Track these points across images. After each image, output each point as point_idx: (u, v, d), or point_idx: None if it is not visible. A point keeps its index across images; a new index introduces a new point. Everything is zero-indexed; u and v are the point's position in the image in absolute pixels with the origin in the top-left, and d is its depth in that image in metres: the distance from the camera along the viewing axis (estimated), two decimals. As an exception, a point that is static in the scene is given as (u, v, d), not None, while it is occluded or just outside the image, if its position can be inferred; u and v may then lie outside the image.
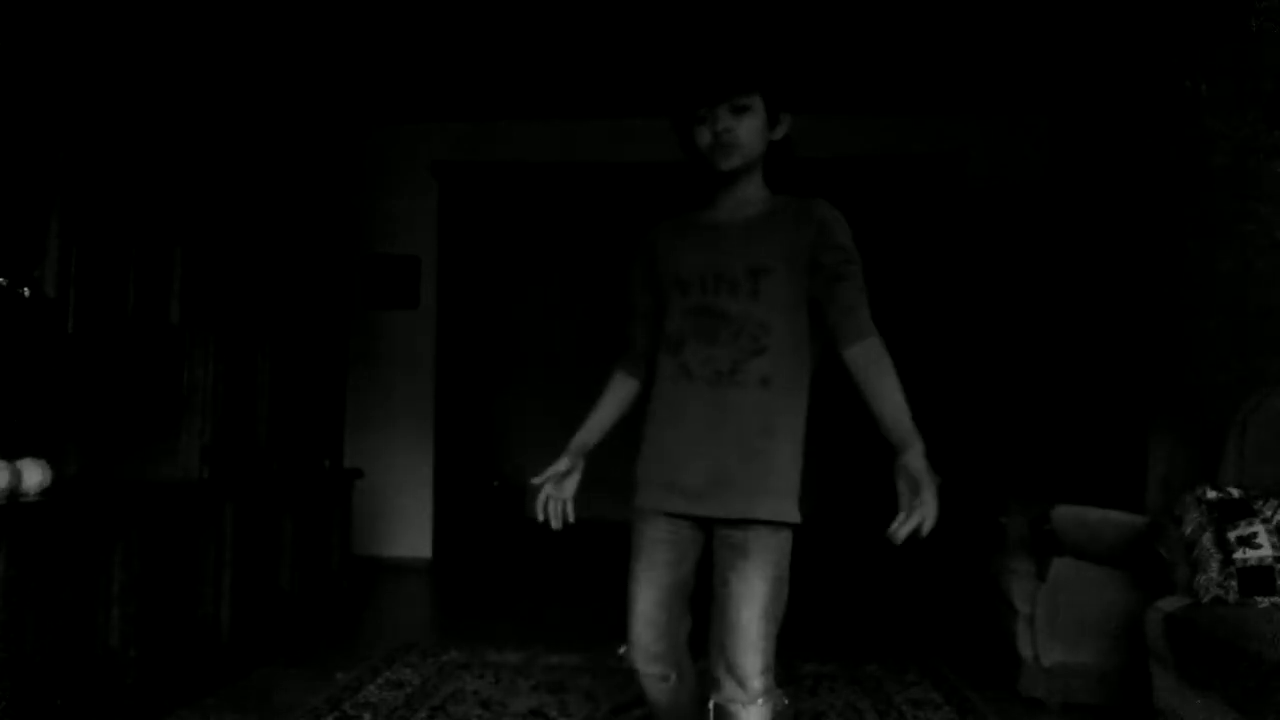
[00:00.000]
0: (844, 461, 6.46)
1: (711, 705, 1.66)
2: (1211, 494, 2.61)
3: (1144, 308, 4.45)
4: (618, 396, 1.88)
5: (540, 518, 1.77)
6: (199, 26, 3.49)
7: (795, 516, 1.69)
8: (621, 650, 1.78)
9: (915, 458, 1.58)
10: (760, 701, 1.63)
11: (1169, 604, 2.60)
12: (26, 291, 2.64)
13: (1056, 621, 3.07)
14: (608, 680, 3.25)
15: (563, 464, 1.83)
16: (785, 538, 1.69)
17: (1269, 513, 2.50)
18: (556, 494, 1.81)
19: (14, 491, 2.47)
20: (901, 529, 1.53)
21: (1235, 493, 2.60)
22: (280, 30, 4.20)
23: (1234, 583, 2.46)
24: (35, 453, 2.63)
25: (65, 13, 2.80)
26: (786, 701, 1.68)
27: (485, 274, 6.82)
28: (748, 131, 1.63)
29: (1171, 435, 3.29)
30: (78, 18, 2.86)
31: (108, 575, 2.69)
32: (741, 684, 1.62)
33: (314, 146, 4.50)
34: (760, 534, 1.63)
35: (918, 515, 1.53)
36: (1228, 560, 2.48)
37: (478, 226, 6.24)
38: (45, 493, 2.55)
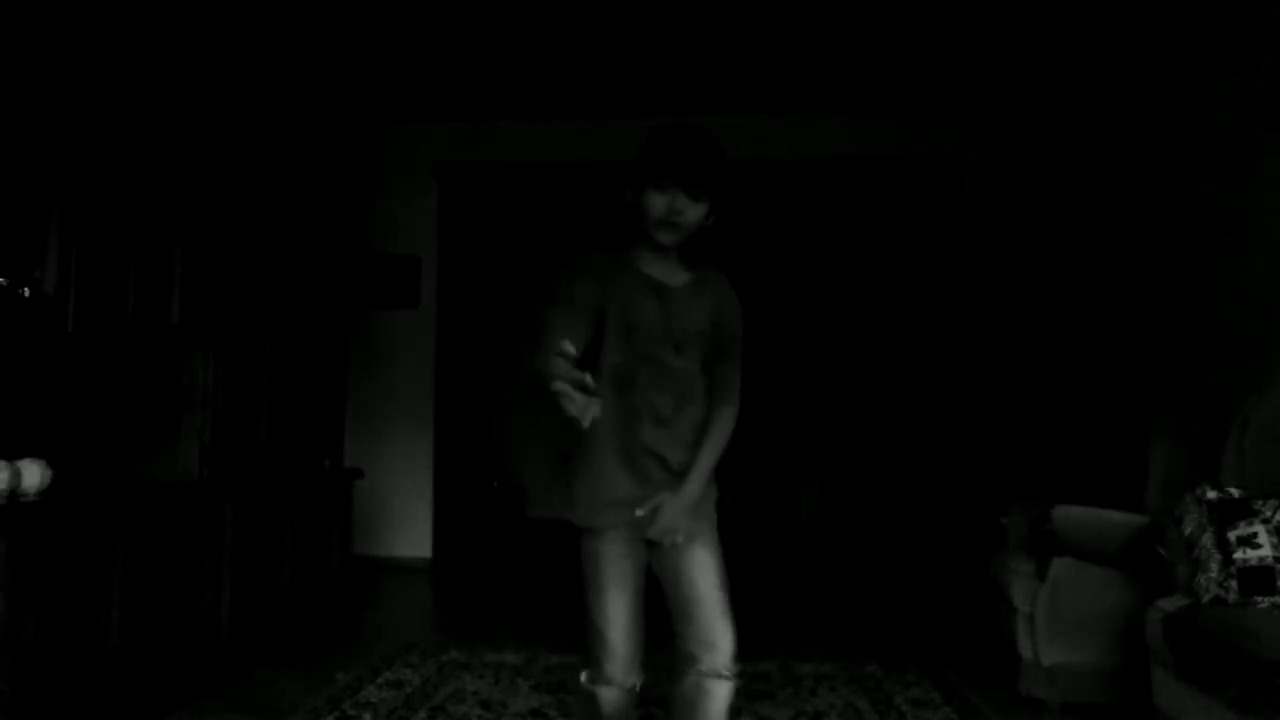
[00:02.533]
0: (844, 466, 6.47)
1: (689, 683, 1.82)
2: (1211, 494, 2.61)
3: (1144, 308, 4.45)
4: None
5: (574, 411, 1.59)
6: (199, 27, 3.49)
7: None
8: (584, 675, 1.88)
9: (686, 486, 1.84)
10: (734, 675, 1.84)
11: (1169, 604, 2.60)
12: (26, 291, 2.64)
13: (1056, 621, 3.07)
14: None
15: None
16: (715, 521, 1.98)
17: (1269, 513, 2.50)
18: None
19: (14, 491, 2.47)
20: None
21: (1235, 493, 2.60)
22: (280, 30, 4.21)
23: (1234, 583, 2.46)
24: (35, 453, 2.63)
25: (65, 13, 2.80)
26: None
27: (485, 274, 6.81)
28: (694, 217, 1.82)
29: (1171, 435, 3.29)
30: (78, 18, 2.86)
31: (108, 575, 2.69)
32: (720, 652, 1.82)
33: (314, 146, 4.50)
34: (703, 525, 1.90)
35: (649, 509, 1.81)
36: (1228, 560, 2.48)
37: (478, 226, 6.23)
38: (45, 493, 2.55)
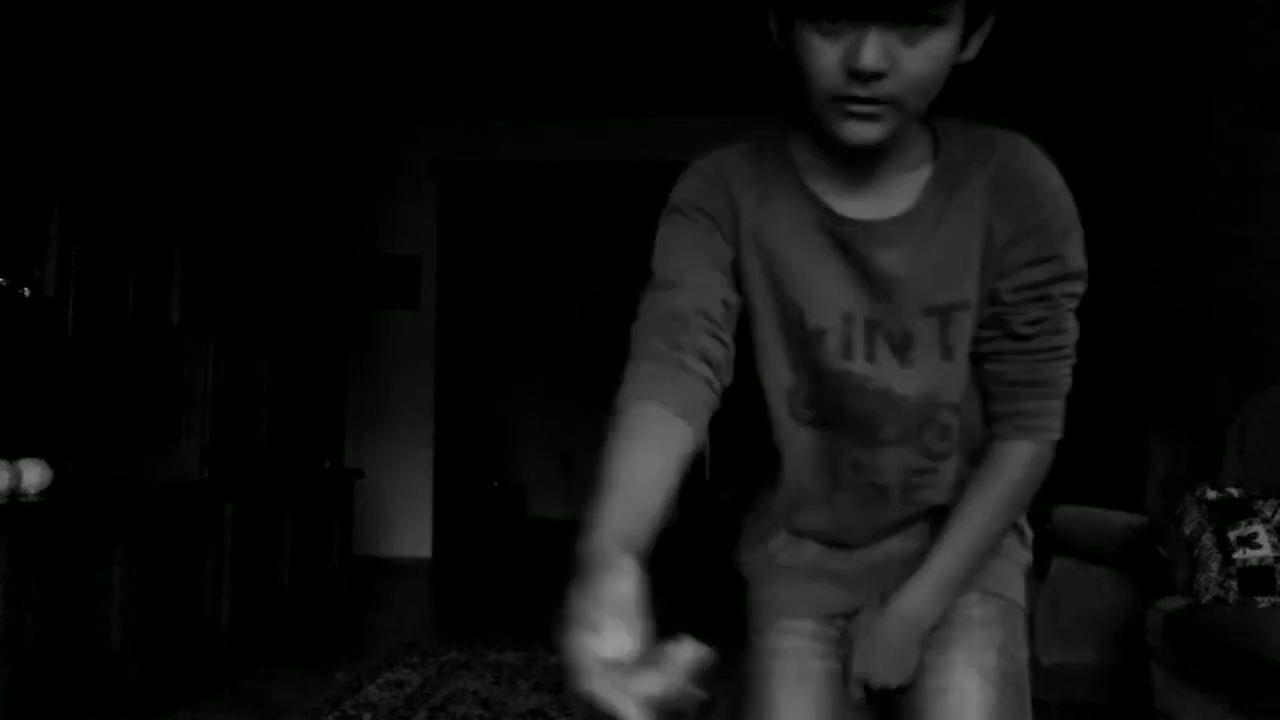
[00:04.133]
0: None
1: None
2: (1211, 494, 2.61)
3: (1144, 308, 4.45)
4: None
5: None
6: (199, 27, 3.49)
7: None
8: None
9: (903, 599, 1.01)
10: None
11: (1169, 604, 2.60)
12: (26, 291, 2.64)
13: (1056, 621, 3.07)
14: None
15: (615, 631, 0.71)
16: None
17: (1269, 513, 2.50)
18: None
19: (14, 491, 2.47)
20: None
21: (1235, 493, 2.60)
22: (280, 31, 4.21)
23: (1234, 583, 2.46)
24: (35, 453, 2.63)
25: (65, 13, 2.80)
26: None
27: (485, 274, 6.83)
28: (919, 69, 0.83)
29: (1171, 435, 3.29)
30: (78, 18, 2.86)
31: (108, 575, 2.69)
32: None
33: (314, 147, 4.50)
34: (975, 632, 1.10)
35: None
36: (1228, 560, 2.48)
37: (477, 226, 6.24)
38: (45, 493, 2.55)
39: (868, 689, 1.00)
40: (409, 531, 5.97)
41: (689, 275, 0.91)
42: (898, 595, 0.98)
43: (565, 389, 8.21)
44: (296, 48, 4.43)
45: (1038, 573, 3.15)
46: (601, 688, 0.60)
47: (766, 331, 0.96)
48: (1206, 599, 2.49)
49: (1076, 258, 0.92)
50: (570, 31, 4.72)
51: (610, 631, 0.62)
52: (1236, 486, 2.64)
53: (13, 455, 2.56)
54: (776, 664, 1.05)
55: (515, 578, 5.83)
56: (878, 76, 0.79)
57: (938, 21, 0.80)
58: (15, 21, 2.64)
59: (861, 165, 0.90)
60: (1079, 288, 0.93)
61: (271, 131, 4.04)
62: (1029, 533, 1.10)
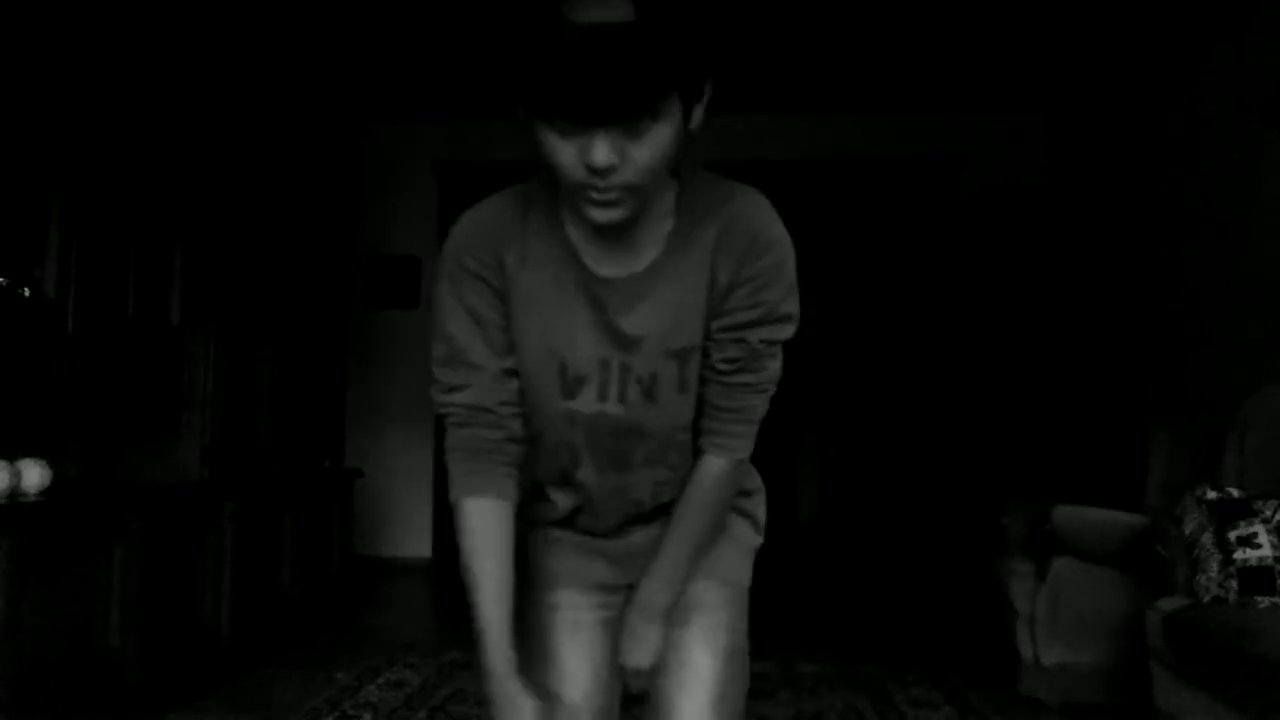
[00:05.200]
0: (844, 465, 6.47)
1: None
2: (1211, 494, 2.61)
3: (1144, 308, 4.45)
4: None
5: None
6: (199, 26, 3.49)
7: None
8: None
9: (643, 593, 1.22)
10: None
11: (1169, 604, 2.60)
12: (26, 291, 2.64)
13: (1056, 621, 3.07)
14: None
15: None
16: None
17: (1269, 513, 2.50)
18: None
19: (14, 491, 2.47)
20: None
21: (1235, 493, 2.60)
22: (281, 30, 4.20)
23: (1234, 583, 2.46)
24: (35, 453, 2.63)
25: (65, 13, 2.80)
26: None
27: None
28: (649, 157, 0.90)
29: (1171, 435, 3.29)
30: (78, 18, 2.86)
31: (108, 575, 2.69)
32: None
33: (314, 146, 4.50)
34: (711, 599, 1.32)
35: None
36: (1228, 560, 2.48)
37: (478, 226, 6.23)
38: (45, 493, 2.55)
39: (633, 676, 1.19)
40: (409, 531, 5.97)
41: (476, 372, 1.07)
42: (635, 592, 1.17)
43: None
44: (297, 47, 4.43)
45: (1038, 573, 3.14)
46: None
47: (534, 374, 1.08)
48: (1206, 599, 2.49)
49: (787, 304, 1.04)
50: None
51: None
52: (1236, 487, 2.64)
53: (13, 455, 2.56)
54: (554, 617, 1.24)
55: (515, 577, 5.82)
56: (610, 169, 0.89)
57: (656, 117, 0.88)
58: (15, 21, 2.64)
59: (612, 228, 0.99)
60: (787, 331, 1.06)
61: (272, 131, 4.03)
62: (761, 518, 1.30)
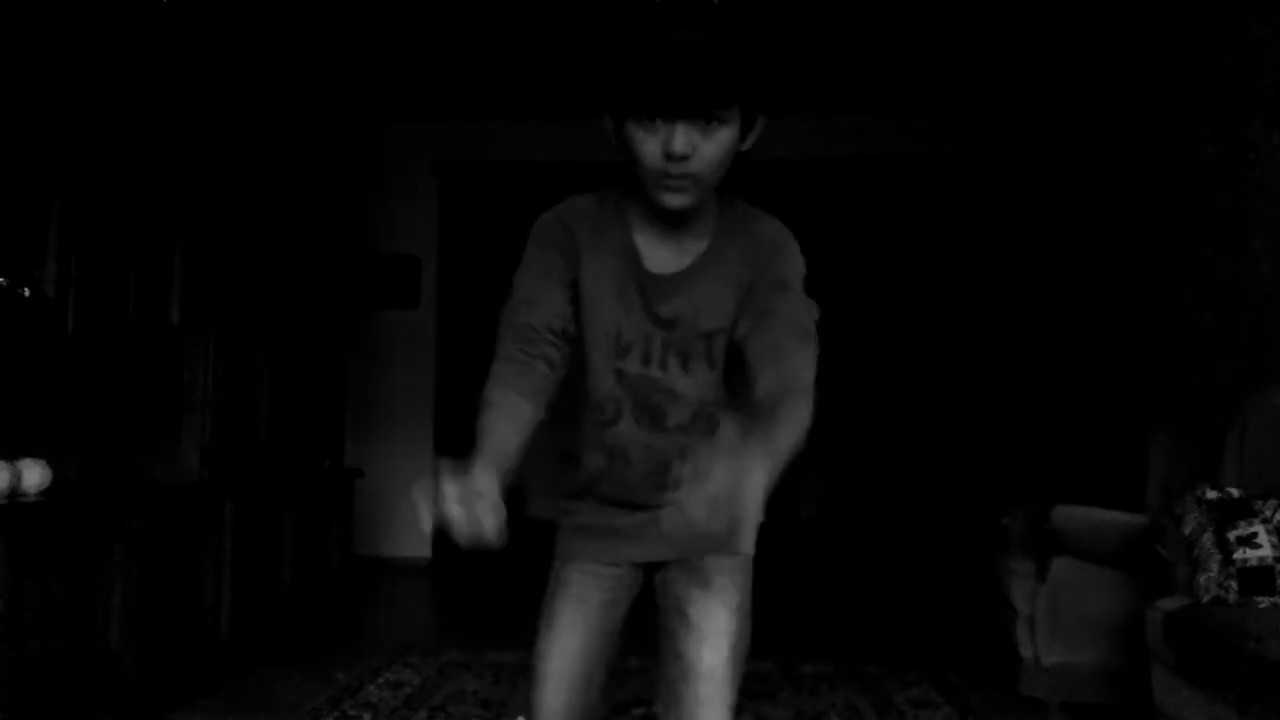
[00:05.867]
0: (845, 465, 6.47)
1: None
2: (1211, 494, 2.61)
3: (1144, 308, 4.45)
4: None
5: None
6: (199, 26, 3.49)
7: None
8: None
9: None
10: None
11: (1169, 604, 2.60)
12: (26, 291, 2.64)
13: (1056, 621, 3.07)
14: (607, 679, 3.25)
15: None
16: None
17: (1269, 513, 2.50)
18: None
19: (14, 491, 2.47)
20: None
21: (1235, 493, 2.60)
22: (281, 30, 4.20)
23: (1234, 583, 2.46)
24: (35, 453, 2.63)
25: (65, 13, 2.80)
26: None
27: (485, 274, 6.81)
28: (714, 153, 1.18)
29: (1171, 435, 3.29)
30: (78, 18, 2.86)
31: (108, 575, 2.69)
32: None
33: (314, 146, 4.50)
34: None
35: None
36: (1228, 560, 2.48)
37: (478, 226, 6.23)
38: (45, 493, 2.55)
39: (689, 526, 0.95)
40: (409, 531, 5.95)
41: (541, 295, 1.28)
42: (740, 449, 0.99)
43: (564, 389, 8.20)
44: (297, 47, 4.43)
45: (1038, 573, 3.14)
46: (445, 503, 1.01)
47: (593, 338, 1.31)
48: (1206, 599, 2.49)
49: (799, 278, 1.30)
50: (571, 31, 4.71)
51: (467, 490, 1.04)
52: (1236, 486, 2.64)
53: (13, 455, 2.56)
54: (563, 589, 1.43)
55: (515, 578, 5.83)
56: (685, 158, 1.15)
57: (722, 121, 1.17)
58: (15, 21, 2.64)
59: (674, 226, 1.27)
60: (806, 301, 1.29)
61: (272, 131, 4.03)
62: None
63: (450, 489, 1.03)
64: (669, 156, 1.15)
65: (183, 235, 3.35)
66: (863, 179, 5.89)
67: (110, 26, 3.00)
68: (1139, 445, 3.39)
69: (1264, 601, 2.41)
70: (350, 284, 5.63)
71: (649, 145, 1.17)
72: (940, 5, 4.39)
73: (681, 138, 1.14)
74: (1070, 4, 4.33)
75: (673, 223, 1.27)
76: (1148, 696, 2.64)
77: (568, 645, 1.40)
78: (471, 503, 1.03)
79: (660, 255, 1.29)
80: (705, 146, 1.16)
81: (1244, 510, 2.53)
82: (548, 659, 1.40)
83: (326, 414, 4.70)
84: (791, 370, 1.20)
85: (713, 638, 1.36)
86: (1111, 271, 4.84)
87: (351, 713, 2.97)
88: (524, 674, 1.31)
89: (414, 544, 5.95)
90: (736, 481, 0.92)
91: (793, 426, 1.12)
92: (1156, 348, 4.31)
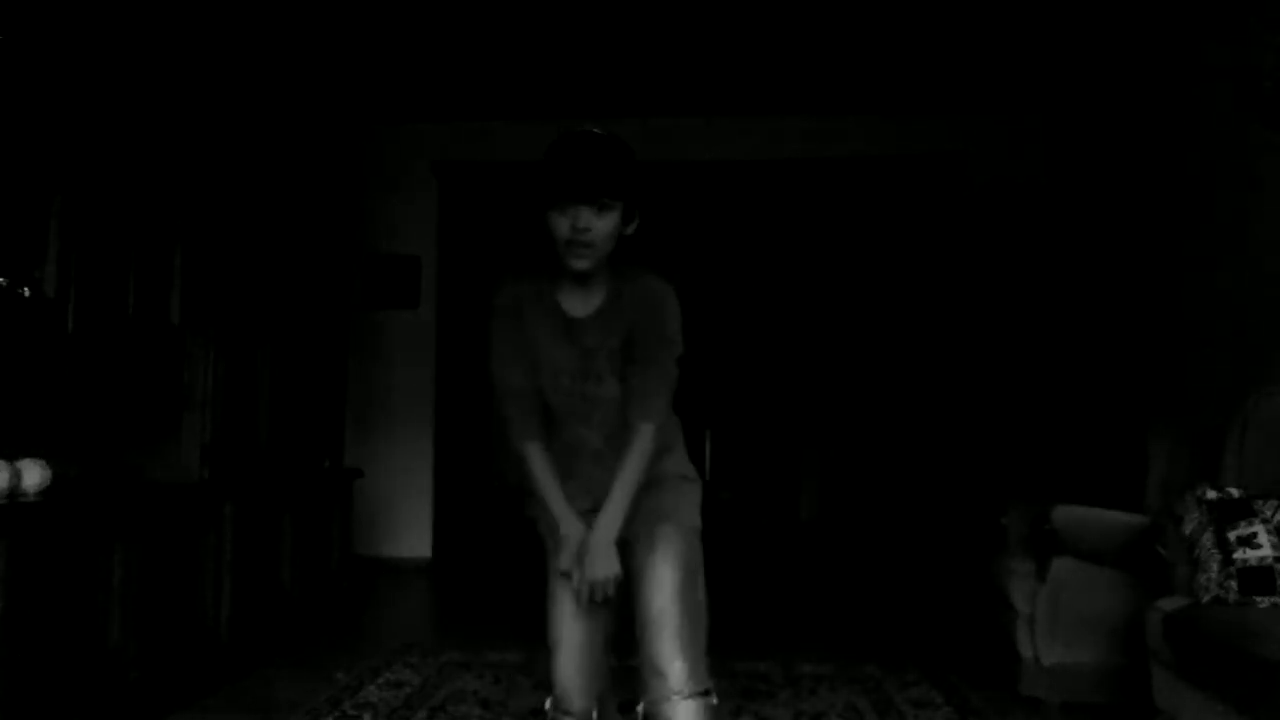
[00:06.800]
0: (845, 465, 6.46)
1: (646, 708, 1.71)
2: (1211, 494, 2.61)
3: (1144, 308, 4.45)
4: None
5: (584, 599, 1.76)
6: (199, 26, 3.49)
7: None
8: (548, 703, 1.89)
9: (599, 526, 1.76)
10: (695, 691, 1.69)
11: (1169, 604, 2.60)
12: (26, 291, 2.64)
13: (1056, 621, 3.07)
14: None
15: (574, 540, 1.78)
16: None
17: (1269, 513, 2.49)
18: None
19: (14, 491, 2.47)
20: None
21: (1235, 493, 2.60)
22: (280, 30, 4.21)
23: (1234, 583, 2.46)
24: (35, 453, 2.63)
25: (65, 13, 2.80)
26: (715, 701, 1.73)
27: (485, 274, 6.81)
28: (605, 230, 1.66)
29: (1171, 435, 3.28)
30: (78, 18, 2.86)
31: (108, 575, 2.69)
32: (669, 680, 1.70)
33: (314, 146, 4.50)
34: (668, 529, 1.84)
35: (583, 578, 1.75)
36: (1228, 560, 2.48)
37: (478, 226, 6.23)
38: (45, 493, 2.55)
39: (591, 588, 1.72)
40: (409, 531, 5.97)
41: (519, 380, 1.80)
42: (595, 522, 1.74)
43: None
44: (297, 47, 4.43)
45: (1038, 573, 3.14)
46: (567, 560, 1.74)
47: (545, 372, 1.80)
48: (1206, 599, 2.49)
49: (670, 333, 1.76)
50: (571, 31, 4.72)
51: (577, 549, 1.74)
52: (1236, 486, 2.64)
53: (13, 455, 2.56)
54: (553, 570, 1.84)
55: (515, 578, 5.83)
56: (586, 230, 1.64)
57: (610, 207, 1.66)
58: (15, 20, 2.64)
59: (580, 285, 1.74)
60: (673, 349, 1.77)
61: (272, 131, 4.04)
62: (694, 475, 1.92)
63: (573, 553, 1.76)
64: (575, 230, 1.64)
65: (183, 235, 3.35)
66: (863, 179, 5.89)
67: (110, 26, 3.00)
68: (1139, 445, 3.39)
69: (1264, 601, 2.41)
70: (350, 284, 5.64)
71: (562, 224, 1.65)
72: (940, 5, 4.39)
73: (584, 218, 1.64)
74: (1070, 4, 4.33)
75: (581, 281, 1.73)
76: (1148, 696, 2.64)
77: (565, 615, 1.82)
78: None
79: (574, 304, 1.77)
80: (599, 224, 1.65)
81: (1244, 510, 2.53)
82: (553, 630, 1.85)
83: (326, 414, 4.70)
84: (653, 408, 1.76)
85: (662, 585, 1.75)
86: (1111, 271, 4.85)
87: (351, 713, 2.97)
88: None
89: (414, 544, 5.96)
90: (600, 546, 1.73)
91: (641, 459, 1.74)
92: (1156, 348, 4.31)
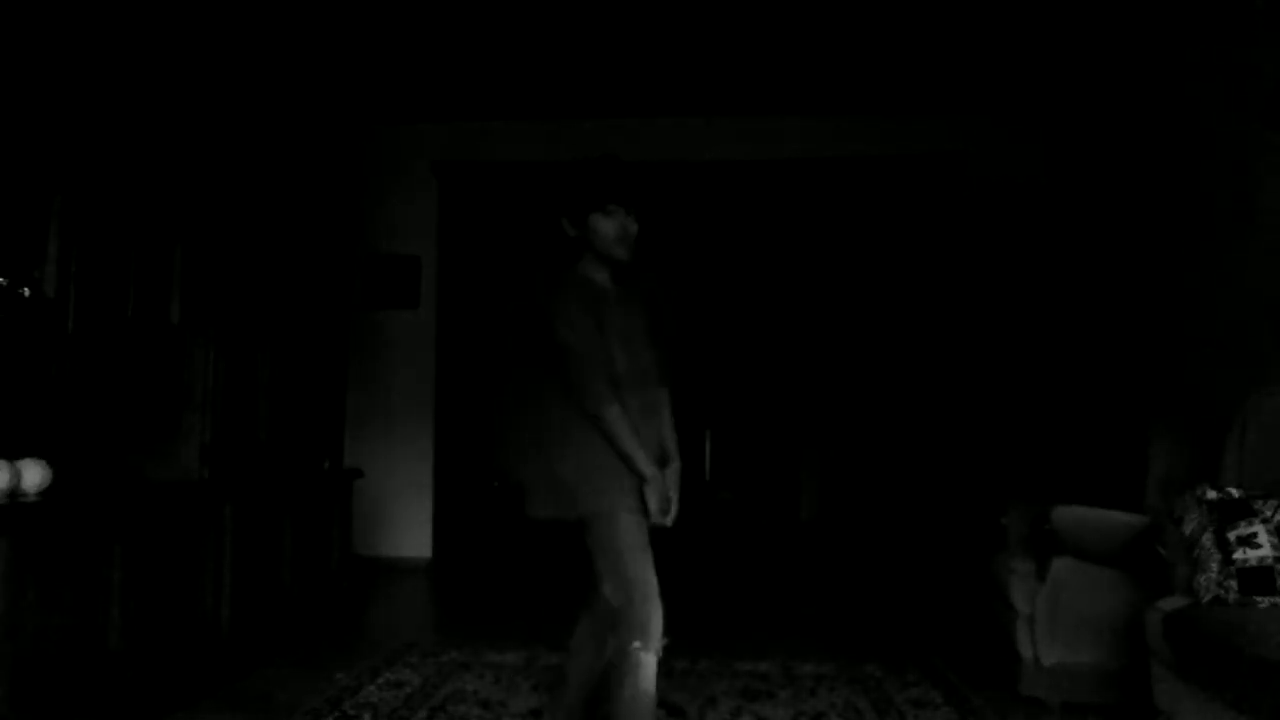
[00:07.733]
0: (845, 465, 6.46)
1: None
2: (1211, 494, 2.61)
3: (1144, 308, 4.45)
4: None
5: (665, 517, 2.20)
6: (200, 27, 3.49)
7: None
8: (637, 644, 2.07)
9: (674, 465, 2.31)
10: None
11: (1169, 604, 2.60)
12: (26, 291, 2.64)
13: (1056, 621, 3.07)
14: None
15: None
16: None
17: (1269, 513, 2.50)
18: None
19: (14, 491, 2.47)
20: None
21: (1235, 493, 2.60)
22: (281, 30, 4.21)
23: (1234, 583, 2.46)
24: (35, 453, 2.63)
25: (66, 13, 2.80)
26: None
27: (485, 274, 6.82)
28: (636, 231, 2.24)
29: (1171, 435, 3.28)
30: (78, 18, 2.86)
31: (108, 575, 2.69)
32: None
33: (314, 146, 4.50)
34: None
35: None
36: (1228, 560, 2.48)
37: (478, 226, 6.23)
38: (45, 493, 2.55)
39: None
40: (409, 531, 5.97)
41: (599, 350, 2.17)
42: (671, 465, 2.29)
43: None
44: (297, 47, 4.43)
45: (1038, 573, 3.15)
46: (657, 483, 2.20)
47: (615, 343, 2.20)
48: (1206, 599, 2.50)
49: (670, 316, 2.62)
50: (571, 31, 4.72)
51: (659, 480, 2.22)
52: (1236, 486, 2.64)
53: (13, 455, 2.56)
54: (626, 525, 2.17)
55: (515, 578, 5.83)
56: (633, 229, 2.22)
57: (636, 216, 2.24)
58: (15, 20, 2.64)
59: (603, 269, 2.28)
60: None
61: (272, 131, 4.04)
62: None
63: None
64: (624, 228, 2.21)
65: (183, 235, 3.35)
66: (863, 179, 5.89)
67: (110, 26, 3.00)
68: (1139, 445, 3.39)
69: (1264, 601, 2.41)
70: (350, 284, 5.64)
71: (609, 225, 2.21)
72: (940, 5, 4.39)
73: (632, 222, 2.22)
74: (1070, 4, 4.33)
75: (612, 271, 2.27)
76: (1148, 696, 2.64)
77: (650, 566, 2.17)
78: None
79: (606, 288, 2.29)
80: (633, 227, 2.23)
81: (1244, 510, 2.53)
82: (644, 582, 2.14)
83: (326, 414, 4.70)
84: (666, 376, 2.35)
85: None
86: (1111, 271, 4.85)
87: (351, 713, 2.97)
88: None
89: (414, 544, 5.95)
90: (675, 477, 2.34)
91: (671, 417, 2.38)
92: (1156, 348, 4.31)
